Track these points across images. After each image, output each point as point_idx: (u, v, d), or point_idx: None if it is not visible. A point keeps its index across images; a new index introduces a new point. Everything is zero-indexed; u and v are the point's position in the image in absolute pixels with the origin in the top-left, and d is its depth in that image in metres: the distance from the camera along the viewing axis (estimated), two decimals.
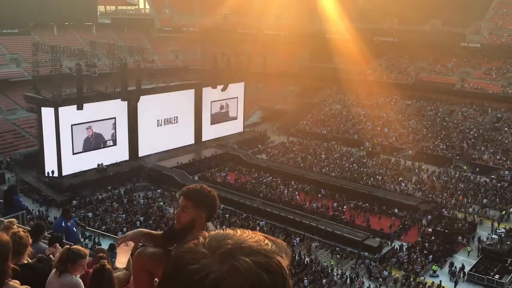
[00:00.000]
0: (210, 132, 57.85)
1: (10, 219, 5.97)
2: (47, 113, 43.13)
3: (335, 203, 43.17)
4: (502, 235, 36.68)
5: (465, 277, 33.13)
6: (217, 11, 76.32)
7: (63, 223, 10.46)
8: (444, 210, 41.96)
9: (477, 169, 49.55)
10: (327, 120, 64.62)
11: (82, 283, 4.85)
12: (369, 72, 67.31)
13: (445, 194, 44.93)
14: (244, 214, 40.61)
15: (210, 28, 75.27)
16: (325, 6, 71.01)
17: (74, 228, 10.73)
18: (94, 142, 46.59)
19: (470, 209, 42.15)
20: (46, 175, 43.61)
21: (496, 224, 39.30)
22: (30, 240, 5.06)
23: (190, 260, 1.12)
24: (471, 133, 56.43)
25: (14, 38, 62.57)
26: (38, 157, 44.46)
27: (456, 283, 32.62)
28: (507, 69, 62.62)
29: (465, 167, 50.56)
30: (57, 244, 6.05)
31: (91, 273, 4.97)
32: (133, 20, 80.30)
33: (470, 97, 61.12)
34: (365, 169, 51.05)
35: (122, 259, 3.78)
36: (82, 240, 30.22)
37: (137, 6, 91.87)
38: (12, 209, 12.19)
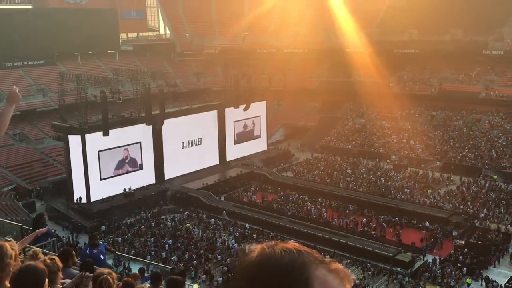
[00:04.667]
0: (234, 152, 58.02)
1: (35, 249, 6.07)
2: (74, 140, 43.90)
3: (364, 219, 42.59)
4: None
5: None
6: (236, 33, 77.20)
7: (87, 250, 10.35)
8: (476, 221, 41.03)
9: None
10: (351, 134, 64.19)
11: None
12: (391, 85, 66.84)
13: (476, 204, 43.99)
14: (272, 233, 40.31)
15: (230, 49, 76.15)
16: (342, 20, 71.12)
17: (101, 256, 10.58)
18: (127, 164, 47.46)
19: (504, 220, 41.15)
20: (75, 201, 44.20)
21: None
22: (61, 265, 5.11)
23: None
24: (500, 141, 55.33)
25: (40, 69, 64.17)
26: (66, 184, 45.16)
27: None
28: None
29: (495, 177, 49.49)
30: (84, 271, 6.11)
31: None
32: (155, 46, 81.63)
33: (496, 105, 60.11)
34: (392, 183, 50.38)
35: None
36: (112, 265, 30.39)
37: (158, 32, 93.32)
38: (41, 238, 12.27)
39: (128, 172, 47.54)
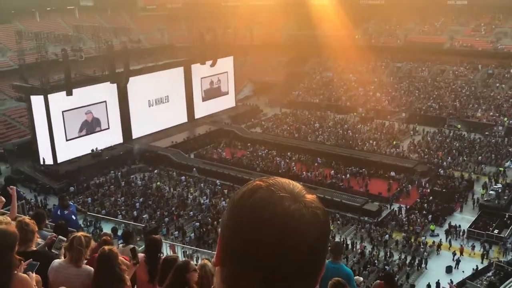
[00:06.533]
0: (202, 109, 57.54)
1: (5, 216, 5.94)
2: (36, 101, 42.68)
3: (332, 171, 43.34)
4: (499, 191, 37.03)
5: (465, 234, 33.50)
6: None
7: (59, 211, 10.27)
8: (440, 169, 42.23)
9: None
10: (318, 88, 64.35)
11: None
12: (357, 37, 66.78)
13: (438, 154, 45.18)
14: None
15: (194, 2, 74.27)
16: None
17: (72, 216, 10.49)
18: (93, 126, 46.58)
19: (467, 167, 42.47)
20: (42, 163, 43.42)
21: (493, 180, 39.55)
22: (36, 227, 5.07)
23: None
24: (463, 91, 56.42)
25: None
26: (31, 146, 44.20)
27: (456, 240, 33.05)
28: (496, 24, 62.34)
29: (459, 126, 50.72)
30: (54, 234, 6.06)
31: (97, 258, 4.94)
32: (116, 0, 78.86)
33: (460, 55, 60.88)
34: (359, 135, 51.11)
35: None
36: (83, 226, 30.29)
37: None
38: (10, 200, 12.04)
39: (93, 132, 46.62)
